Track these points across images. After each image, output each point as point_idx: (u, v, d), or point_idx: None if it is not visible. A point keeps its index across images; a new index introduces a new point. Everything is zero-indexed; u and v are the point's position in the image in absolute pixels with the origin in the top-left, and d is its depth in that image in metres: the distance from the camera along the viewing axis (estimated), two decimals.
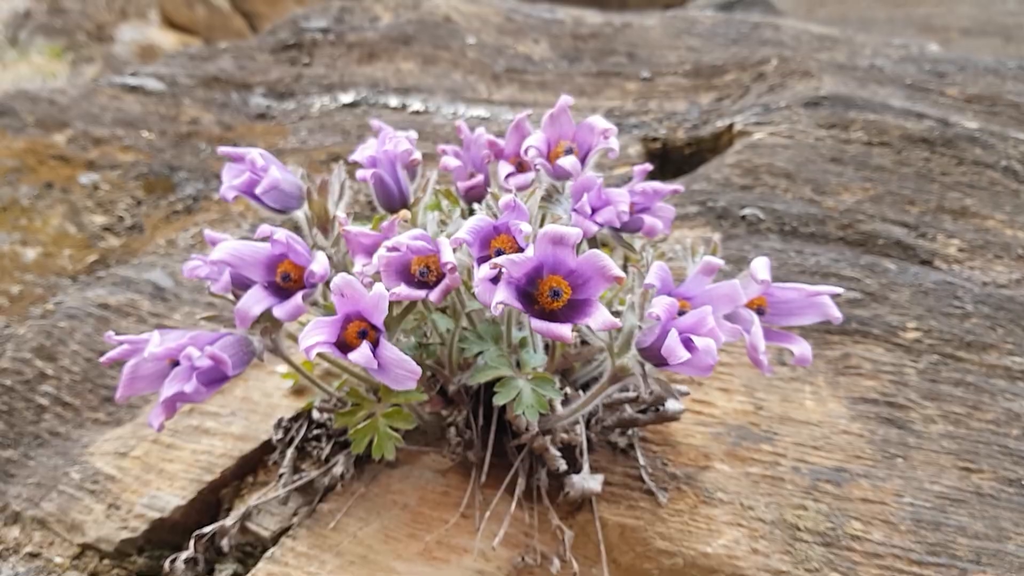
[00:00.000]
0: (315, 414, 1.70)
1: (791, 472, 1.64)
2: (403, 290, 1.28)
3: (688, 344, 1.23)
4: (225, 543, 1.59)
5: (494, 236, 1.32)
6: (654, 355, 1.28)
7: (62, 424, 2.12)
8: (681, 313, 1.27)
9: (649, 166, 1.56)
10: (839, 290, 1.42)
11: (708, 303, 1.36)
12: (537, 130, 1.56)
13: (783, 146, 2.89)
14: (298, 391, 1.90)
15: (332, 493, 1.64)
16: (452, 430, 1.60)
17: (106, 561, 1.69)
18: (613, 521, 1.56)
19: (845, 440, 1.71)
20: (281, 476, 1.60)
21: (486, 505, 1.59)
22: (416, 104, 3.86)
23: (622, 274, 1.20)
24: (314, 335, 1.20)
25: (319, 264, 1.33)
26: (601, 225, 1.45)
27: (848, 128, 3.02)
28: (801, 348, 1.41)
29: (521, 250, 1.25)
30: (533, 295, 1.24)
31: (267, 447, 1.78)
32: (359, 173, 1.55)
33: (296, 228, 1.64)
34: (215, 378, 1.31)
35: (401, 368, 1.22)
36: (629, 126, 3.48)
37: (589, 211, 1.43)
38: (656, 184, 1.56)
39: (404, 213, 1.40)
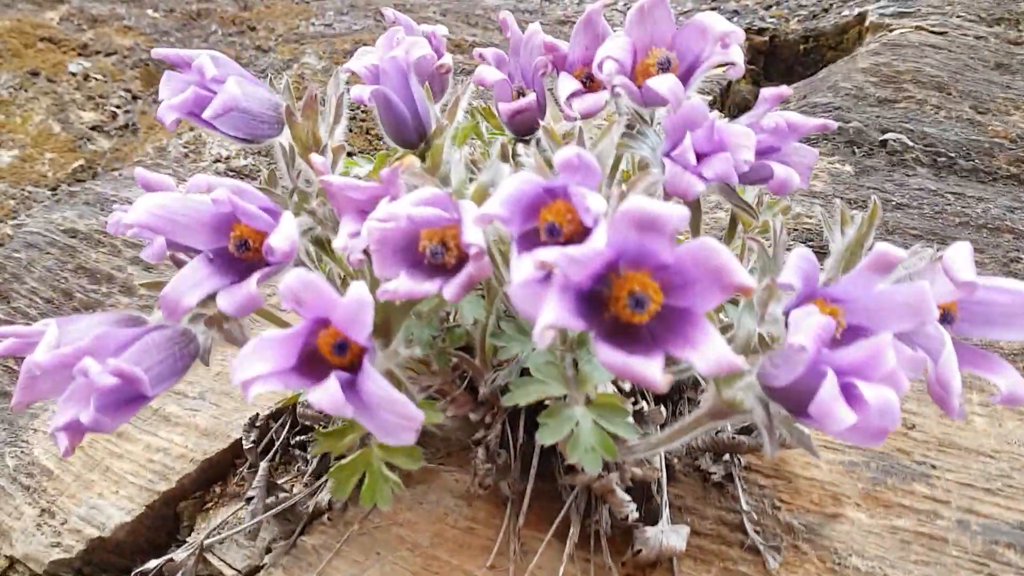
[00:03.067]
0: (301, 410, 1.34)
1: (956, 529, 1.23)
2: (403, 285, 0.89)
3: (850, 393, 0.81)
4: None
5: (545, 203, 0.90)
6: (790, 401, 0.88)
7: (12, 382, 1.81)
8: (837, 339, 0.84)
9: (786, 89, 1.10)
10: None
11: (877, 315, 0.94)
12: (618, 32, 1.10)
13: (933, 46, 2.34)
14: None
15: (319, 522, 1.29)
16: (481, 451, 1.22)
17: None
18: None
19: None
20: (250, 500, 1.25)
21: (525, 556, 1.22)
22: None
23: (750, 281, 0.77)
24: (254, 363, 0.81)
25: (282, 235, 0.94)
26: (709, 180, 1.01)
27: (1019, 24, 2.45)
28: (1009, 380, 0.98)
29: (586, 232, 0.83)
30: (601, 298, 0.84)
31: (239, 447, 1.44)
32: (354, 91, 1.12)
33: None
34: (125, 400, 0.95)
35: (393, 412, 0.84)
36: (727, 12, 2.94)
37: (694, 159, 0.99)
38: (794, 116, 1.11)
39: (409, 161, 0.99)
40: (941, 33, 2.39)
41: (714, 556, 1.22)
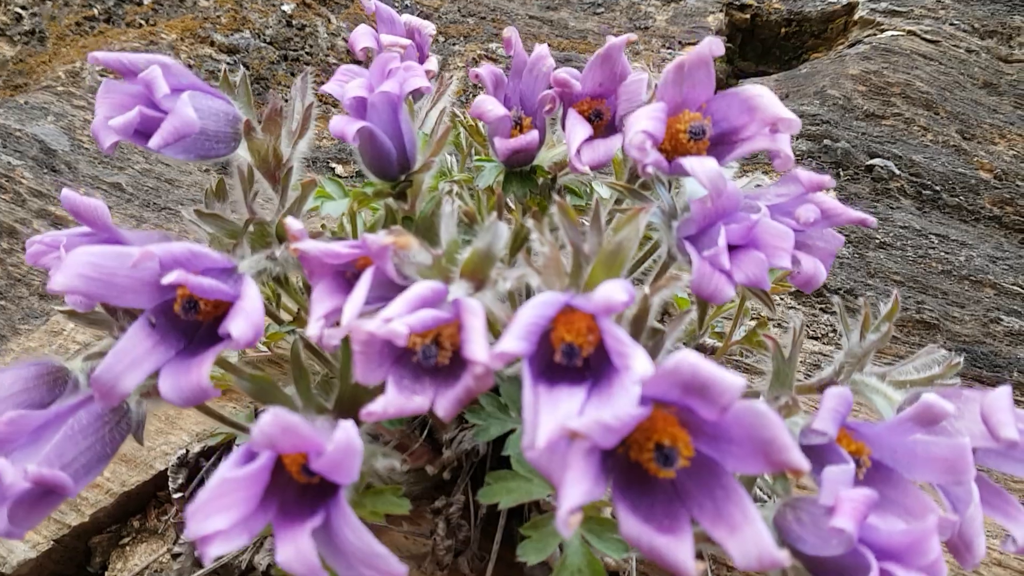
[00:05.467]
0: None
1: None
2: (391, 403, 0.78)
3: None
4: None
5: (563, 314, 0.80)
6: (815, 567, 0.80)
7: None
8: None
9: (829, 181, 0.99)
10: None
11: (907, 460, 0.88)
12: (647, 96, 0.98)
13: (925, 56, 2.27)
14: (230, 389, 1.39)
15: None
16: (441, 525, 1.13)
17: None
18: None
19: None
20: (177, 558, 1.13)
21: None
22: None
23: (804, 465, 0.69)
24: (214, 516, 0.69)
25: (246, 323, 0.80)
26: (739, 283, 0.92)
27: (1010, 40, 2.40)
28: None
29: (606, 354, 0.74)
30: (624, 442, 0.75)
31: (162, 478, 1.30)
32: (336, 124, 0.98)
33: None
34: (42, 502, 0.81)
35: (370, 566, 0.73)
36: None
37: (727, 263, 0.89)
38: (830, 204, 1.01)
39: (405, 242, 0.85)
40: (933, 42, 2.32)
41: None
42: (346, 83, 1.01)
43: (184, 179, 2.02)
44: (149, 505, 1.32)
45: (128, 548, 1.29)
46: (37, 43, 2.66)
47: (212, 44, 2.40)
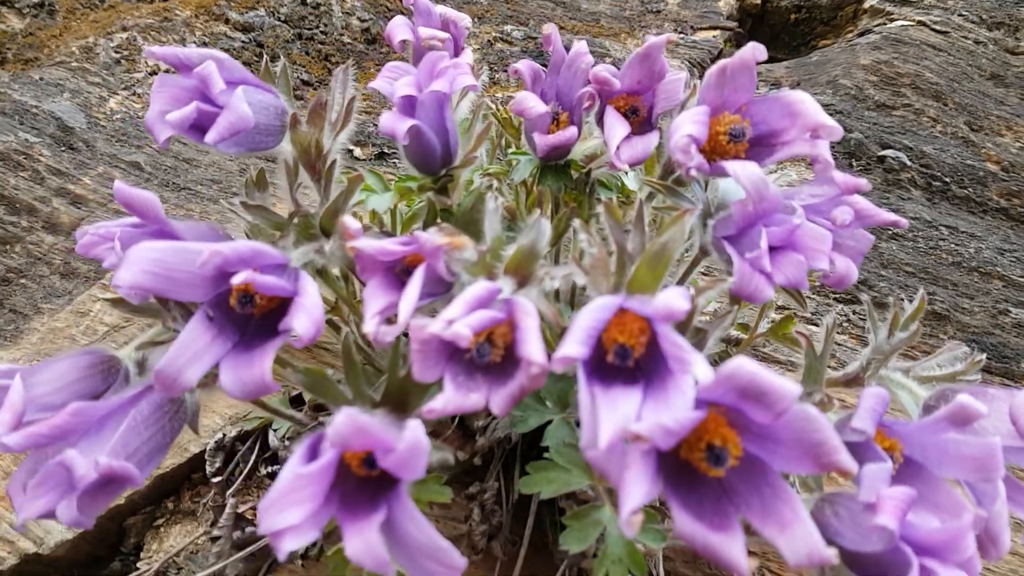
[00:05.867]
0: (272, 440, 1.23)
1: None
2: (450, 400, 0.80)
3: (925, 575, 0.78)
4: None
5: (616, 316, 0.82)
6: (853, 562, 0.83)
7: None
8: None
9: (865, 184, 1.01)
10: None
11: (937, 457, 0.91)
12: (690, 99, 1.00)
13: (934, 47, 2.28)
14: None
15: (287, 561, 1.21)
16: (476, 511, 1.16)
17: None
18: None
19: (1008, 565, 1.32)
20: (216, 541, 1.16)
21: None
22: None
23: (852, 466, 0.71)
24: (286, 510, 0.71)
25: (309, 319, 0.82)
26: (778, 284, 0.94)
27: (1017, 31, 2.42)
28: None
29: (662, 354, 0.76)
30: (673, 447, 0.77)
31: (196, 461, 1.33)
32: (386, 122, 0.99)
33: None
34: (108, 491, 0.83)
35: (433, 559, 0.75)
36: None
37: (769, 266, 0.91)
38: (863, 205, 1.03)
39: (461, 242, 0.87)
40: (943, 32, 2.34)
41: None
42: (394, 80, 1.02)
43: (202, 159, 2.03)
44: (183, 487, 1.34)
45: (163, 529, 1.31)
46: (47, 16, 2.64)
47: (227, 22, 2.39)
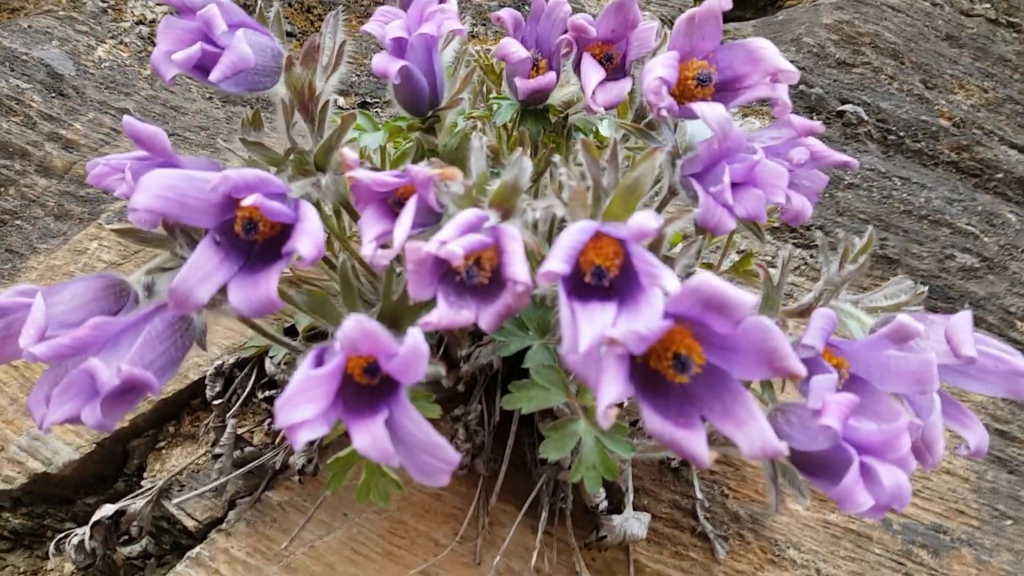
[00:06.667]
0: (269, 366, 1.30)
1: (880, 527, 1.36)
2: (443, 315, 0.87)
3: (865, 472, 0.87)
4: (134, 528, 1.24)
5: (592, 240, 0.89)
6: (802, 462, 0.93)
7: None
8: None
9: (820, 127, 1.09)
10: None
11: (880, 373, 0.99)
12: (661, 47, 1.07)
13: (894, 8, 2.36)
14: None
15: (284, 478, 1.29)
16: (461, 430, 1.24)
17: None
18: (652, 569, 1.27)
19: (946, 485, 1.43)
20: (218, 459, 1.23)
21: (491, 527, 1.27)
22: None
23: (801, 370, 0.80)
24: (300, 406, 0.78)
25: (311, 241, 0.88)
26: (739, 217, 1.02)
27: None
28: (978, 437, 1.06)
29: (633, 273, 0.83)
30: (645, 352, 0.85)
31: (195, 387, 1.39)
32: (378, 63, 1.05)
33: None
34: (128, 398, 0.89)
35: (430, 454, 0.83)
36: None
37: (731, 199, 0.99)
38: (819, 147, 1.10)
39: (451, 173, 0.93)
40: None
41: (667, 540, 1.30)
42: (385, 24, 1.08)
43: (189, 106, 2.06)
44: (183, 412, 1.41)
45: (164, 451, 1.38)
46: None
47: None
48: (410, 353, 0.79)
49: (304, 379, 0.79)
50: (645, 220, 0.81)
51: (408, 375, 0.81)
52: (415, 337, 0.79)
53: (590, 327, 0.80)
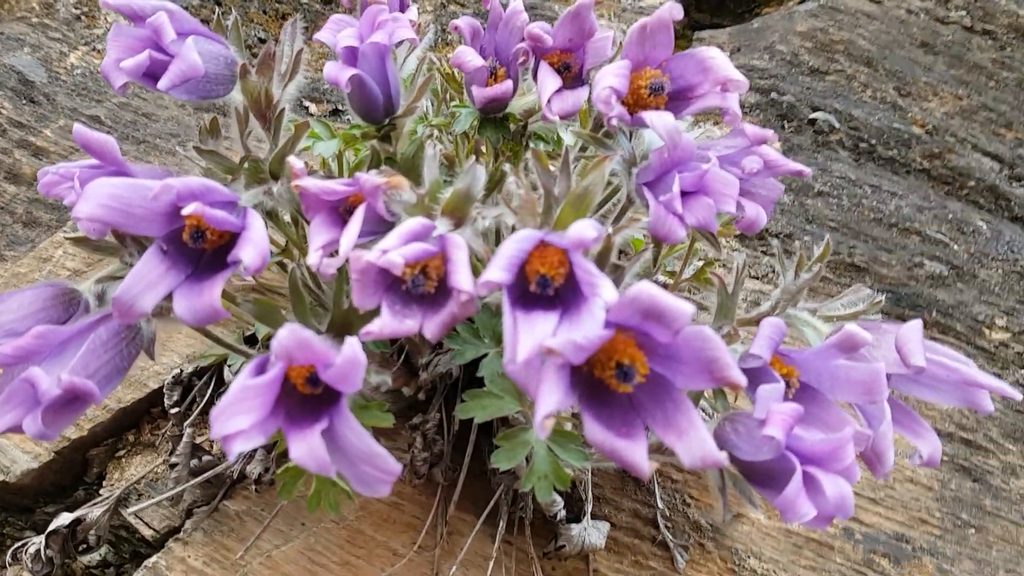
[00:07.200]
0: (227, 376, 1.29)
1: (842, 537, 1.35)
2: (386, 325, 0.86)
3: (809, 481, 0.87)
4: (92, 537, 1.23)
5: (537, 249, 0.88)
6: (748, 472, 0.92)
7: None
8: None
9: (771, 135, 1.08)
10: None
11: (830, 383, 0.99)
12: (612, 52, 1.06)
13: (868, 15, 2.37)
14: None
15: (242, 487, 1.28)
16: (419, 439, 1.23)
17: None
18: None
19: (910, 493, 1.43)
20: (174, 467, 1.22)
21: (450, 536, 1.26)
22: None
23: (741, 380, 0.79)
24: (236, 416, 0.77)
25: (255, 251, 0.88)
26: (690, 226, 1.01)
27: (948, 2, 2.50)
28: (931, 447, 1.06)
29: (576, 285, 0.83)
30: (588, 361, 0.84)
31: (155, 396, 1.38)
32: (330, 71, 1.04)
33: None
34: (70, 408, 0.89)
35: (370, 464, 0.82)
36: None
37: (680, 208, 0.99)
38: (772, 156, 1.10)
39: (397, 182, 0.93)
40: (877, 2, 2.41)
41: (627, 549, 1.30)
42: (338, 32, 1.07)
43: (161, 113, 2.05)
44: (143, 421, 1.40)
45: (124, 460, 1.37)
46: None
47: None
48: (346, 362, 0.78)
49: (240, 389, 0.79)
50: (583, 229, 0.80)
51: (346, 384, 0.80)
52: (352, 347, 0.78)
53: (530, 336, 0.80)
